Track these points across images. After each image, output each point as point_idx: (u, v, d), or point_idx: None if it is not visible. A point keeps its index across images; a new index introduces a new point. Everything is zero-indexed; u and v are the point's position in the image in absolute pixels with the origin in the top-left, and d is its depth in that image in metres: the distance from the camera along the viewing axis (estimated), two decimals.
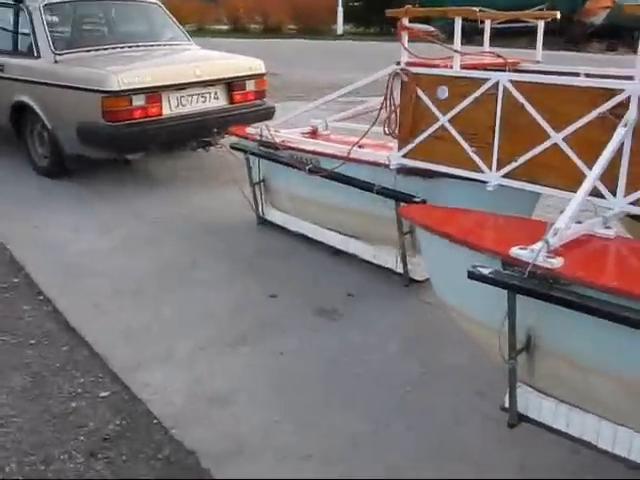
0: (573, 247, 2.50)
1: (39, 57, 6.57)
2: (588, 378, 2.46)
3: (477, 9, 3.32)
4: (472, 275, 2.48)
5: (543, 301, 2.35)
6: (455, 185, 3.52)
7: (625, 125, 2.66)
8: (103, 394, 3.15)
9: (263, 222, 5.39)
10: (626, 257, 2.59)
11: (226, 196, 5.74)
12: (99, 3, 7.61)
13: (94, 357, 3.46)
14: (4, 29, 7.10)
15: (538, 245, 2.39)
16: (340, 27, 30.84)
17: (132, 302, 4.10)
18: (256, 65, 6.98)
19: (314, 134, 4.97)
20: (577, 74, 3.42)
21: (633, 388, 2.31)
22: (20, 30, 6.81)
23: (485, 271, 2.47)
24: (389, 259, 4.24)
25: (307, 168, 4.47)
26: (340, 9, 30.69)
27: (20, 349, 3.53)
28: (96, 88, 5.86)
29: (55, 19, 6.83)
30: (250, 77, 6.82)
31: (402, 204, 3.71)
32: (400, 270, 4.14)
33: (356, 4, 30.80)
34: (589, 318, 2.23)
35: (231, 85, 6.65)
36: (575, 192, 2.66)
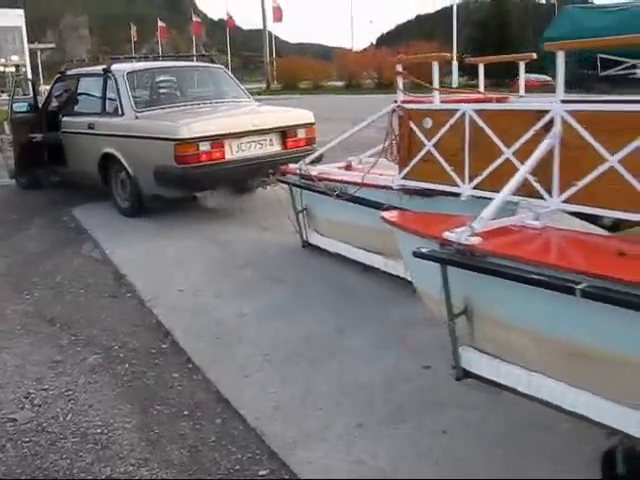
0: (496, 232, 3.03)
1: (123, 115, 7.58)
2: (509, 335, 2.88)
3: (449, 54, 4.22)
4: (415, 254, 3.03)
5: (463, 269, 2.87)
6: (447, 201, 3.91)
7: (552, 137, 3.16)
8: (262, 472, 3.02)
9: (307, 245, 6.00)
10: (538, 238, 3.04)
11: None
12: (172, 70, 8.96)
13: (249, 431, 3.32)
14: (94, 95, 8.21)
15: (463, 229, 2.92)
16: (455, 80, 30.79)
17: (283, 372, 3.86)
18: (306, 116, 7.89)
19: (348, 168, 5.53)
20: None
21: (541, 341, 2.74)
22: (107, 94, 7.92)
23: (424, 250, 3.02)
24: (399, 268, 4.61)
25: (335, 194, 5.10)
26: (455, 62, 30.77)
27: (174, 420, 3.44)
28: (169, 137, 6.81)
29: (136, 83, 7.96)
30: (301, 126, 7.63)
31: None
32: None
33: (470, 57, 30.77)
34: (503, 282, 2.70)
35: (284, 133, 7.46)
36: (525, 197, 3.26)
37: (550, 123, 3.19)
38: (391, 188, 4.45)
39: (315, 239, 5.99)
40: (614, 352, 2.50)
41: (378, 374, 3.79)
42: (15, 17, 54.79)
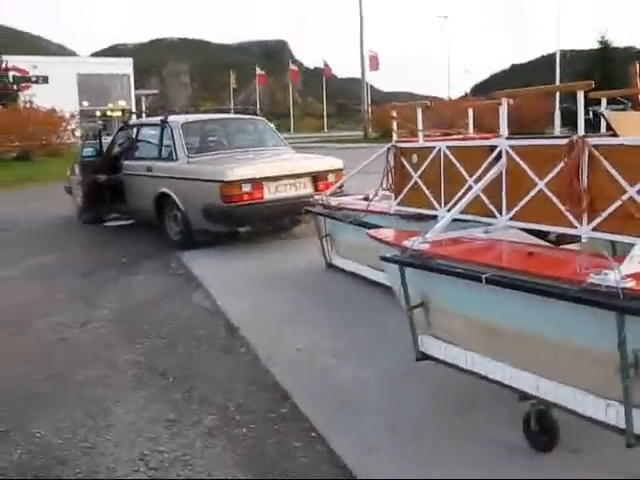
0: (445, 241, 3.60)
1: (177, 160, 8.17)
2: (452, 321, 3.42)
3: (429, 102, 4.79)
4: (381, 258, 3.67)
5: (415, 269, 3.46)
6: (434, 223, 4.15)
7: (498, 166, 3.67)
8: None
9: (330, 266, 6.57)
10: (478, 246, 3.61)
11: None
12: (220, 122, 9.63)
13: None
14: (152, 142, 8.92)
15: (417, 238, 3.50)
16: (557, 130, 29.94)
17: (412, 447, 3.27)
18: (336, 163, 8.49)
19: (365, 199, 5.88)
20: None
21: (471, 324, 3.30)
22: (164, 142, 8.48)
23: (387, 255, 3.63)
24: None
25: (348, 220, 5.67)
26: (557, 112, 29.92)
27: None
28: (216, 179, 7.44)
29: (189, 133, 8.56)
30: (331, 171, 8.16)
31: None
32: None
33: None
34: (444, 277, 3.29)
35: (316, 177, 8.04)
36: (486, 217, 3.79)
37: (499, 155, 3.61)
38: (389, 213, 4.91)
39: (337, 261, 6.50)
40: (514, 328, 3.04)
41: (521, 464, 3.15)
42: (124, 65, 57.36)
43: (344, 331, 4.87)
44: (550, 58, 47.04)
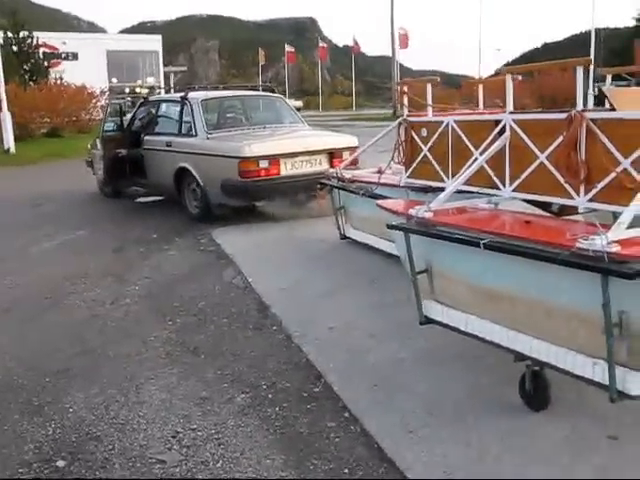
0: (449, 210, 3.76)
1: (196, 136, 8.35)
2: (454, 286, 3.59)
3: (437, 78, 4.90)
4: (388, 226, 3.82)
5: (420, 236, 3.64)
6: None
7: (502, 140, 3.81)
8: None
9: (344, 238, 6.74)
10: (482, 215, 3.82)
11: None
12: (239, 99, 9.74)
13: None
14: (172, 118, 9.12)
15: (421, 207, 3.68)
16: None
17: (450, 431, 3.15)
18: (351, 140, 8.57)
19: (379, 172, 6.00)
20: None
21: (471, 288, 3.48)
22: (184, 118, 8.67)
23: (394, 223, 3.79)
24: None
25: (361, 192, 5.77)
26: (590, 90, 29.40)
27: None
28: (235, 155, 7.62)
29: (208, 109, 8.71)
30: (346, 149, 8.17)
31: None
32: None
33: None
34: (447, 244, 3.44)
35: (332, 154, 8.13)
36: (491, 188, 3.91)
37: (503, 128, 3.75)
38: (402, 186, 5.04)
39: (351, 233, 6.65)
40: (510, 292, 3.21)
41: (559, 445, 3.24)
42: (153, 42, 57.35)
43: (378, 309, 4.77)
44: (583, 36, 46.16)
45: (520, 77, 4.09)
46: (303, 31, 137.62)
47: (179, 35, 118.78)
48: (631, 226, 2.89)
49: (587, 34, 40.07)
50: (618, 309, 2.70)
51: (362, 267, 5.86)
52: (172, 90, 14.26)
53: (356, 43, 68.85)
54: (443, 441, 3.08)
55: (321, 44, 73.22)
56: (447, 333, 3.68)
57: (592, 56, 37.38)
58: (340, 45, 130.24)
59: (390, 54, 46.34)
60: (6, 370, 4.07)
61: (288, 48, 70.51)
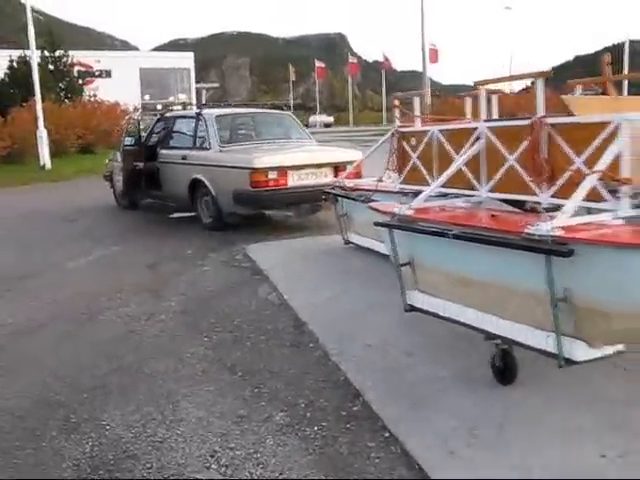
0: (429, 208, 4.26)
1: (210, 149, 8.94)
2: (433, 276, 4.02)
3: (428, 91, 6.01)
4: (374, 224, 4.28)
5: (402, 231, 4.09)
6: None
7: (478, 145, 4.29)
8: None
9: (347, 243, 7.21)
10: (457, 212, 4.27)
11: None
12: (250, 115, 10.50)
13: None
14: (187, 133, 9.72)
15: (403, 205, 4.16)
16: None
17: (493, 453, 3.05)
18: (355, 154, 9.05)
19: (379, 180, 6.20)
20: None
21: (447, 276, 3.90)
22: (198, 132, 9.27)
23: (380, 221, 4.22)
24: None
25: (360, 199, 6.07)
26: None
27: None
28: (246, 166, 8.12)
29: (221, 125, 9.25)
30: (350, 162, 8.31)
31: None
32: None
33: None
34: (425, 237, 3.91)
35: (336, 167, 8.55)
36: (470, 190, 4.39)
37: (480, 135, 4.19)
38: (394, 192, 5.44)
39: (353, 238, 7.10)
40: (478, 277, 3.62)
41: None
42: (185, 59, 58.12)
43: (416, 326, 4.64)
44: (615, 49, 45.65)
45: (509, 91, 4.53)
46: (333, 47, 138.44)
47: (210, 52, 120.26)
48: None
49: (619, 47, 39.59)
50: (563, 286, 3.10)
51: (396, 282, 5.75)
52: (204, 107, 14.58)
53: (387, 59, 68.96)
54: (485, 464, 3.02)
55: (351, 59, 73.43)
56: (486, 354, 3.75)
57: (626, 68, 36.96)
58: (370, 60, 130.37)
59: (420, 69, 46.19)
60: (44, 386, 4.07)
61: (318, 63, 70.94)
